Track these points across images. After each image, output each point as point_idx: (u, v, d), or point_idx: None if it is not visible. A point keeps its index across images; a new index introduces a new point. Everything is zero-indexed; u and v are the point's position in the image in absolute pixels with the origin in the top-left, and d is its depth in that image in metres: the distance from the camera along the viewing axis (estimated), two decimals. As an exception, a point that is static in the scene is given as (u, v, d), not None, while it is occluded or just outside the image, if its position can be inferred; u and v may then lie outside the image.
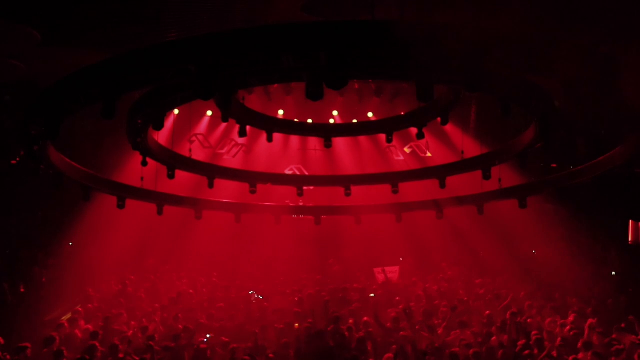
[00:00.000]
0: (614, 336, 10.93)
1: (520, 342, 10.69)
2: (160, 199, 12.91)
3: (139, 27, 12.34)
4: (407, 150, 20.95)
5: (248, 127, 11.38)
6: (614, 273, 16.98)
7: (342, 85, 6.38)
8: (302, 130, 15.07)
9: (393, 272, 17.03)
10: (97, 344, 10.20)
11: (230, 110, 10.23)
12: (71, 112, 7.91)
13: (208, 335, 11.48)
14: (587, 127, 15.88)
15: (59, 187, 10.85)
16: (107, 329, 11.49)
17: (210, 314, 12.92)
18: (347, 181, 13.59)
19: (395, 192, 12.84)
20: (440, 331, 11.76)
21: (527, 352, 10.33)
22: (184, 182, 15.39)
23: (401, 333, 11.32)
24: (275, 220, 14.25)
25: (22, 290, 14.48)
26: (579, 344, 10.55)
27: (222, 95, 8.17)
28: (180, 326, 11.81)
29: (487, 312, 13.08)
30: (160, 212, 13.10)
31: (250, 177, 13.19)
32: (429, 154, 20.74)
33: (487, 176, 12.04)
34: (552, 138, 10.28)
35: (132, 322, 12.28)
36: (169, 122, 15.50)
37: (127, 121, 9.56)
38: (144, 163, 11.42)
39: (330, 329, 11.41)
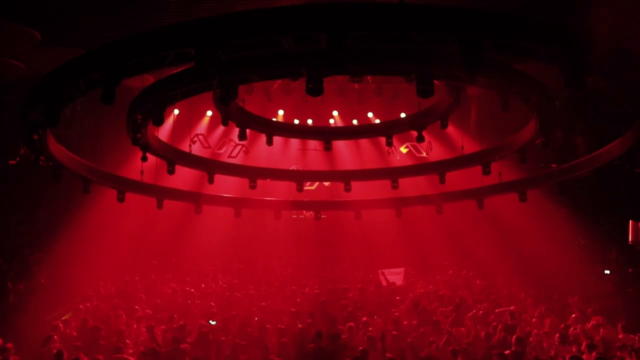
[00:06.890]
0: (620, 336, 10.88)
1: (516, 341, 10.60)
2: (160, 193, 12.86)
3: (139, 29, 12.37)
4: (403, 150, 20.89)
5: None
6: (607, 272, 16.92)
7: (341, 67, 6.38)
8: (302, 133, 15.06)
9: (398, 274, 16.94)
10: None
11: (229, 109, 10.25)
12: (71, 98, 7.91)
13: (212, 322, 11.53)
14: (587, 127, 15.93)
15: (59, 179, 10.84)
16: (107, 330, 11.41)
17: (212, 313, 12.86)
18: (346, 177, 13.52)
19: (395, 187, 12.78)
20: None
21: (526, 352, 10.26)
22: (184, 179, 15.36)
23: (393, 332, 11.25)
24: (275, 215, 14.17)
25: (21, 288, 14.43)
26: (583, 345, 10.48)
27: (223, 89, 8.17)
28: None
29: (481, 311, 13.02)
30: (160, 206, 13.04)
31: (249, 173, 13.15)
32: (424, 154, 20.68)
33: (486, 172, 12.02)
34: (552, 136, 10.27)
35: (132, 322, 12.20)
36: (169, 123, 15.52)
37: (127, 117, 9.58)
38: (144, 158, 11.43)
39: (330, 329, 11.33)
